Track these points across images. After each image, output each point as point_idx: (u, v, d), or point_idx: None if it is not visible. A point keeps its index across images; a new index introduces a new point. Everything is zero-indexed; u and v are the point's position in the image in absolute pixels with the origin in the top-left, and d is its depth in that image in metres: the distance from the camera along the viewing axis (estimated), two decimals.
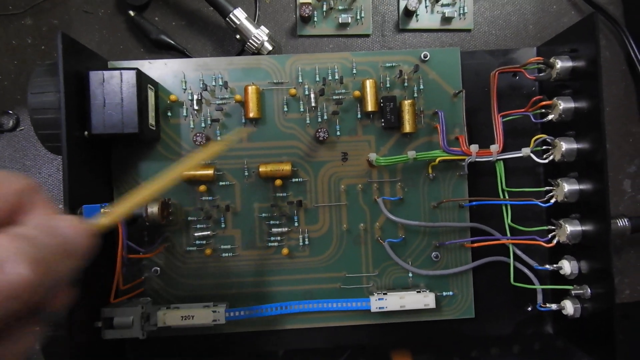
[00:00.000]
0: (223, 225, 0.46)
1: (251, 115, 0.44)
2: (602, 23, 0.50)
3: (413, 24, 0.50)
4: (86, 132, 0.40)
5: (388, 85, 0.46)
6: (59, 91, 0.37)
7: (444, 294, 0.46)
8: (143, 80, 0.41)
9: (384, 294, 0.44)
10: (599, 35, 0.39)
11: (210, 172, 0.44)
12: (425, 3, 0.50)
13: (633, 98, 0.51)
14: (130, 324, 0.41)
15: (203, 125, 0.45)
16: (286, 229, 0.46)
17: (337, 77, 0.46)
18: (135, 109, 0.40)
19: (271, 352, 0.50)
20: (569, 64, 0.42)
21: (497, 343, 0.50)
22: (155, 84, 0.44)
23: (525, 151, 0.43)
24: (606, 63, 0.50)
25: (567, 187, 0.42)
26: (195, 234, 0.45)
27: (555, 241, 0.43)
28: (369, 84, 0.45)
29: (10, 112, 0.49)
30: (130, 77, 0.40)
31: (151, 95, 0.43)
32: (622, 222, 0.45)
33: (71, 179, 0.38)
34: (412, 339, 0.48)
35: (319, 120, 0.46)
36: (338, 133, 0.46)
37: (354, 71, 0.46)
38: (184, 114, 0.45)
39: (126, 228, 0.40)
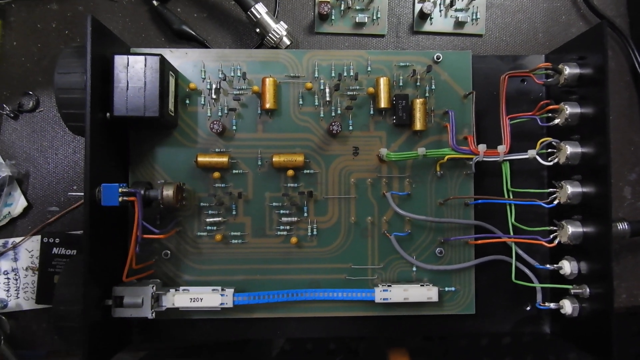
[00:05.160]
0: (234, 212, 0.47)
1: (267, 106, 0.46)
2: (609, 34, 0.52)
3: (427, 27, 0.52)
4: (108, 114, 0.41)
5: (401, 84, 0.47)
6: (85, 72, 0.39)
7: (447, 289, 0.47)
8: (166, 66, 0.42)
9: (389, 286, 0.45)
10: (607, 44, 0.40)
11: (224, 159, 0.46)
12: (440, 7, 0.51)
13: (636, 108, 0.52)
14: (140, 303, 0.42)
15: (220, 114, 0.47)
16: (296, 218, 0.47)
17: (352, 73, 0.47)
18: (157, 93, 0.41)
19: (273, 339, 0.51)
20: (577, 70, 0.44)
21: (495, 340, 0.51)
22: (175, 72, 0.46)
23: (531, 153, 0.44)
24: (611, 73, 0.51)
25: (571, 189, 0.43)
26: (207, 220, 0.46)
27: (556, 241, 0.45)
28: (382, 82, 0.46)
29: (31, 93, 0.50)
30: (154, 62, 0.41)
31: (172, 82, 0.44)
32: (622, 226, 0.46)
33: (92, 158, 0.39)
34: (411, 333, 0.48)
35: (333, 114, 0.47)
36: (350, 128, 0.47)
37: (369, 69, 0.47)
38: (202, 102, 0.47)
39: (142, 209, 0.41)
